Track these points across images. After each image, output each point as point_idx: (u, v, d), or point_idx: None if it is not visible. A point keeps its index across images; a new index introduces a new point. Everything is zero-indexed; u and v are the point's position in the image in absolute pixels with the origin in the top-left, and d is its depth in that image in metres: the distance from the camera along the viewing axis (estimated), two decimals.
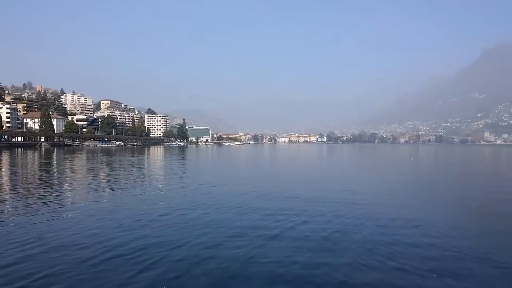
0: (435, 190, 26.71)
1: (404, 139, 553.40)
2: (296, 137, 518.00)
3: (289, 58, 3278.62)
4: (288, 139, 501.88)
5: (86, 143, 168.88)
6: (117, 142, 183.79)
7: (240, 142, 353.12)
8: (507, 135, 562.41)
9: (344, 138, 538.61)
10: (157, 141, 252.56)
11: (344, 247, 11.56)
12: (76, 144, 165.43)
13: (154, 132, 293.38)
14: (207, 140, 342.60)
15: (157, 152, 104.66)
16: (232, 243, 11.79)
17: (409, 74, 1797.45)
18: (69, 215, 16.01)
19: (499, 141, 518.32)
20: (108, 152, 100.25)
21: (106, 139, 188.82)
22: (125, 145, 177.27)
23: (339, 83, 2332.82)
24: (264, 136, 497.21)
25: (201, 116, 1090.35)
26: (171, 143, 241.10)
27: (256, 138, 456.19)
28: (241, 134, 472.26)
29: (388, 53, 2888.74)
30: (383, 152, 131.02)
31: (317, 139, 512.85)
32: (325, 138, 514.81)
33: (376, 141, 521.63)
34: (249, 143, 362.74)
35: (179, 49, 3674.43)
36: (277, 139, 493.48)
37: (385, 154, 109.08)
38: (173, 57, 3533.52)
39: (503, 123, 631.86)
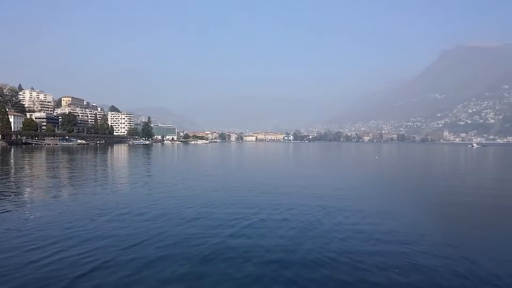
0: (395, 188, 28.12)
1: (368, 138, 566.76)
2: (263, 136, 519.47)
3: (257, 55, 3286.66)
4: (255, 137, 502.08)
5: (46, 141, 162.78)
6: (78, 141, 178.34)
7: (207, 140, 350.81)
8: (464, 134, 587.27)
9: (310, 137, 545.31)
10: (121, 140, 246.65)
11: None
12: (35, 142, 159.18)
13: (118, 130, 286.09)
14: (173, 138, 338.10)
15: (120, 151, 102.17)
16: (155, 245, 11.56)
17: (374, 75, 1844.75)
18: (20, 215, 15.48)
19: (457, 140, 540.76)
20: (69, 150, 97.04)
21: (67, 137, 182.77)
22: (87, 144, 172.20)
23: (305, 82, 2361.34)
24: (231, 134, 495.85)
25: (167, 114, 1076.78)
26: (135, 141, 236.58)
27: (223, 137, 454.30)
28: (207, 132, 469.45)
29: (353, 53, 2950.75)
30: (348, 150, 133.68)
31: (283, 137, 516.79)
32: (291, 136, 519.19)
33: (341, 139, 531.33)
34: (216, 142, 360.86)
35: (143, 45, 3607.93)
36: (244, 138, 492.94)
37: (350, 153, 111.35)
38: (138, 53, 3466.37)
39: (461, 123, 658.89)
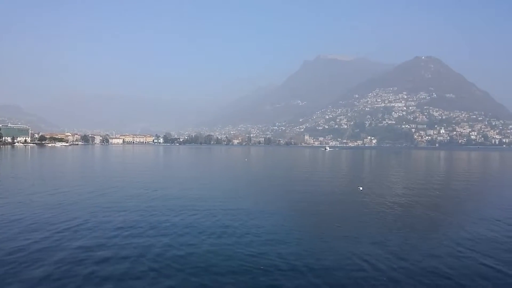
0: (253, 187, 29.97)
1: (238, 141, 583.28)
2: (131, 138, 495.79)
3: (125, 53, 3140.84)
4: (122, 140, 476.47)
5: None
6: None
7: (67, 142, 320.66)
8: (322, 138, 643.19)
9: (181, 140, 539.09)
10: None
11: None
12: None
13: None
14: (25, 140, 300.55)
15: None
16: None
17: (243, 80, 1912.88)
18: None
19: (316, 143, 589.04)
20: None
21: None
22: None
23: (176, 84, 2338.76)
24: (95, 136, 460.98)
25: (19, 113, 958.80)
26: None
27: (86, 139, 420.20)
28: (68, 134, 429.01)
29: (224, 59, 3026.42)
30: (219, 153, 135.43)
31: (153, 140, 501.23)
32: (161, 139, 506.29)
33: (212, 142, 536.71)
34: (78, 144, 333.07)
35: None
36: (110, 140, 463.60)
37: (221, 156, 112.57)
38: None
39: (320, 128, 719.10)
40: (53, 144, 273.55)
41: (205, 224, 16.79)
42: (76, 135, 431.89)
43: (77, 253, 12.34)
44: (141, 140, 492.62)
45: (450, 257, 12.63)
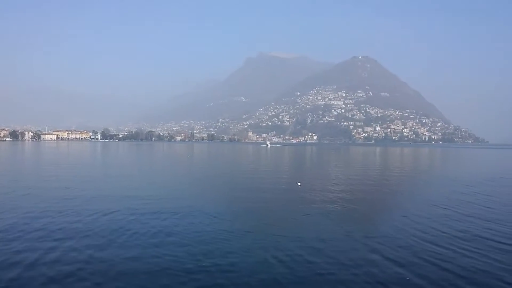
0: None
1: (180, 137, 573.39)
2: (66, 134, 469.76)
3: (58, 42, 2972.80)
4: (56, 136, 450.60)
5: None
6: None
7: None
8: (266, 134, 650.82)
9: (121, 136, 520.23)
10: None
11: None
12: None
13: None
14: None
15: None
16: None
17: (185, 76, 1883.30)
18: None
19: (259, 140, 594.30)
20: None
21: None
22: None
23: (114, 79, 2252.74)
24: (26, 132, 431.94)
25: None
26: None
27: (14, 135, 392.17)
28: None
29: (164, 54, 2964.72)
30: (161, 149, 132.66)
31: (90, 136, 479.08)
32: (99, 135, 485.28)
33: (154, 139, 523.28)
34: (6, 141, 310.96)
35: None
36: (42, 136, 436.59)
37: (163, 152, 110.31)
38: None
39: (263, 124, 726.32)
40: None
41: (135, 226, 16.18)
42: (3, 131, 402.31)
43: None
44: (77, 136, 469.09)
45: (366, 257, 12.62)
